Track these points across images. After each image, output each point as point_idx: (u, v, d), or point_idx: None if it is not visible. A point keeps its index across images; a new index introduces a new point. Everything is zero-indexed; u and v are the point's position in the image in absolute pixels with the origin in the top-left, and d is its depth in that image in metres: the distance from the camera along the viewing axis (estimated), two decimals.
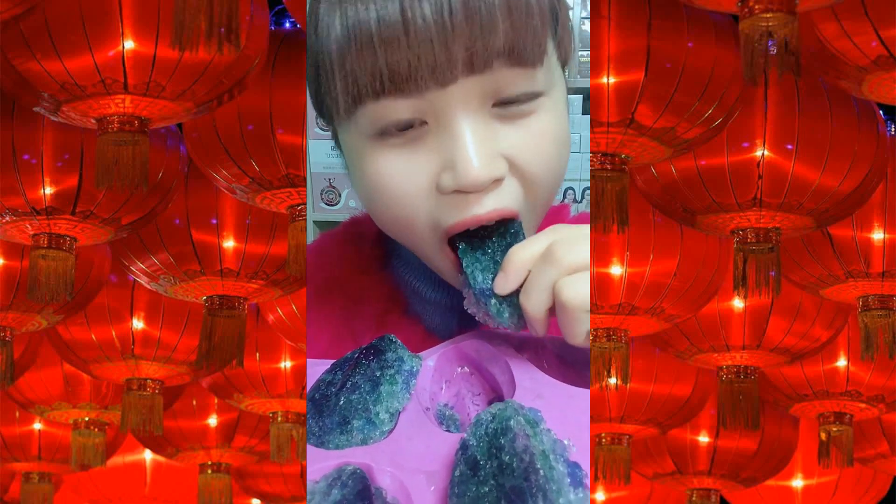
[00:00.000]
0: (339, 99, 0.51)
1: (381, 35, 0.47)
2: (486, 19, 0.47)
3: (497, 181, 0.52)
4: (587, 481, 0.40)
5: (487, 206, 0.52)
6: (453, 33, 0.47)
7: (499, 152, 0.52)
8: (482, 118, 0.51)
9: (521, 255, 0.50)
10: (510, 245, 0.52)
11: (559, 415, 0.44)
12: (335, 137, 0.61)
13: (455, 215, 0.53)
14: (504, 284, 0.51)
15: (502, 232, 0.53)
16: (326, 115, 0.56)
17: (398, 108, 0.50)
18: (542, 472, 0.37)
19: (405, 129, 0.52)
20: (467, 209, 0.52)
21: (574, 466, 0.40)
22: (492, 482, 0.38)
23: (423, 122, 0.51)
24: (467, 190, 0.51)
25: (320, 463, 0.46)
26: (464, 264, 0.53)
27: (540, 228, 0.62)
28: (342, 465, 0.45)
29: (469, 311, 0.54)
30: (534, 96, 0.52)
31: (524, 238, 0.53)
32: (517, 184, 0.53)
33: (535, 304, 0.49)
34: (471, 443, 0.41)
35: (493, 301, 0.52)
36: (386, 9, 0.47)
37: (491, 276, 0.52)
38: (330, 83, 0.51)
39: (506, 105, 0.52)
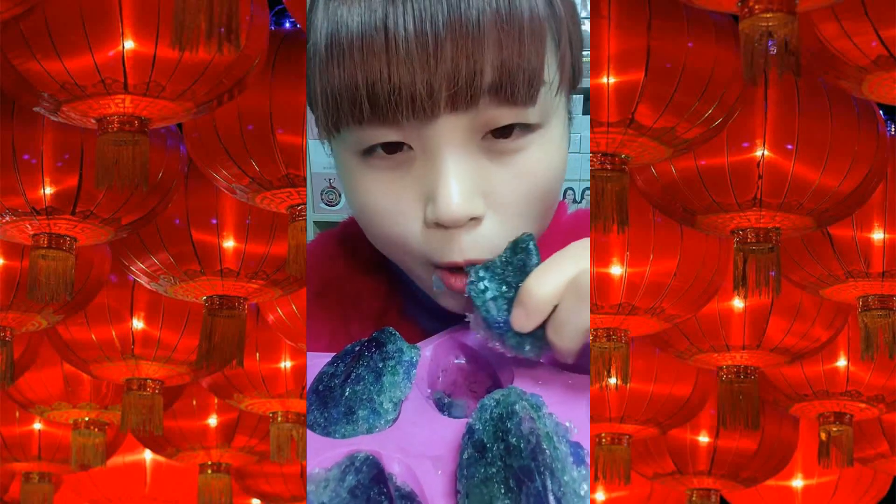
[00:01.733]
0: (321, 118, 0.50)
1: (364, 59, 0.45)
2: (472, 52, 0.44)
3: (476, 220, 0.50)
4: (588, 460, 0.41)
5: (466, 254, 0.50)
6: (436, 65, 0.44)
7: (480, 189, 0.50)
8: (468, 152, 0.49)
9: (545, 291, 0.44)
10: (523, 264, 0.47)
11: (559, 400, 0.46)
12: (329, 144, 0.61)
13: (437, 256, 0.52)
14: (525, 322, 0.45)
15: (512, 247, 0.49)
16: (320, 127, 0.56)
17: (381, 136, 0.49)
18: (548, 452, 0.39)
19: (392, 152, 0.50)
20: (447, 253, 0.51)
21: (576, 446, 0.42)
22: (499, 463, 0.40)
23: (410, 147, 0.50)
24: (446, 225, 0.49)
25: (329, 452, 0.46)
26: (470, 290, 0.48)
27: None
28: (353, 453, 0.45)
29: (478, 336, 0.49)
30: (526, 130, 0.50)
31: (537, 254, 0.48)
32: (498, 225, 0.51)
33: (569, 342, 0.45)
34: (476, 427, 0.43)
35: (511, 335, 0.47)
36: (369, 28, 0.45)
37: (505, 305, 0.46)
38: (316, 103, 0.50)
39: (496, 138, 0.49)
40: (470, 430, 0.43)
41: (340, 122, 0.48)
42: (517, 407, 0.42)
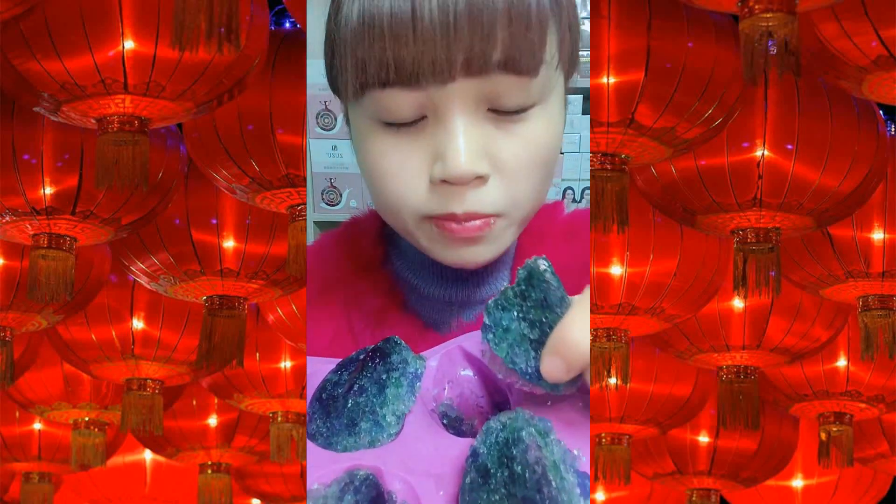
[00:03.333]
0: (349, 82, 0.54)
1: (392, 30, 0.50)
2: (486, 28, 0.50)
3: (480, 179, 0.54)
4: (588, 489, 0.40)
5: (466, 205, 0.55)
6: (455, 36, 0.50)
7: (486, 152, 0.54)
8: (476, 118, 0.54)
9: (586, 343, 0.39)
10: (544, 297, 0.42)
11: (567, 423, 0.44)
12: (345, 115, 0.63)
13: (437, 207, 0.56)
14: (562, 375, 0.40)
15: (526, 278, 0.42)
16: (339, 92, 0.59)
17: (401, 100, 0.53)
18: (553, 483, 0.38)
19: (407, 122, 0.55)
20: (448, 204, 0.55)
21: (583, 477, 0.40)
22: (503, 491, 0.38)
23: (424, 116, 0.54)
24: (452, 181, 0.53)
25: (329, 466, 0.45)
26: (487, 337, 0.42)
27: (531, 226, 0.63)
28: (353, 469, 0.45)
29: (500, 376, 0.44)
30: (526, 107, 0.55)
31: (557, 282, 0.42)
32: (501, 186, 0.55)
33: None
34: (481, 451, 0.41)
35: (543, 383, 0.41)
36: (399, 6, 0.50)
37: (532, 351, 0.41)
38: (342, 67, 0.54)
39: (499, 112, 0.54)
40: (474, 454, 0.41)
41: (367, 84, 0.53)
42: (524, 433, 0.40)
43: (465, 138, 0.53)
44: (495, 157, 0.55)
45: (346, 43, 0.53)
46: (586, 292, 0.42)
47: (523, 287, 0.42)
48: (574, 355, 0.39)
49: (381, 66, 0.51)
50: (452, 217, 0.55)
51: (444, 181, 0.54)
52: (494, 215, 0.56)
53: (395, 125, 0.55)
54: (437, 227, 0.57)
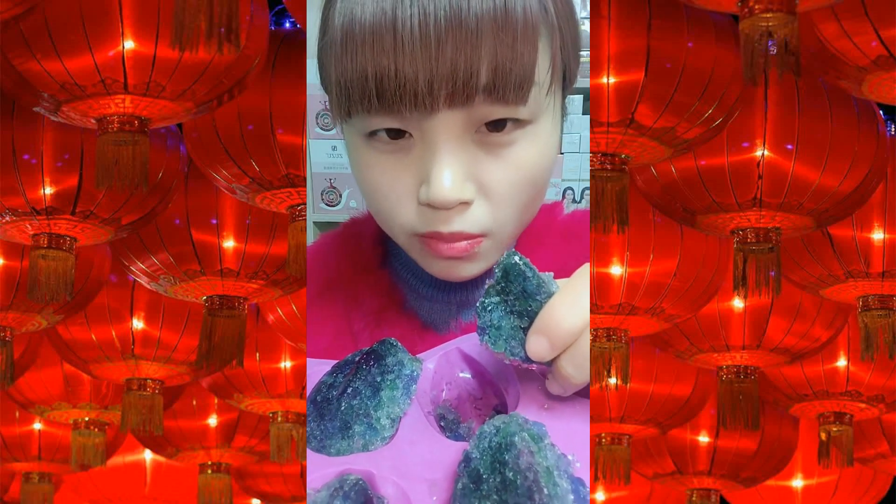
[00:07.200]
0: (335, 105, 0.54)
1: (374, 59, 0.49)
2: (470, 60, 0.49)
3: (465, 203, 0.54)
4: (588, 498, 0.40)
5: (452, 227, 0.55)
6: (437, 70, 0.49)
7: (471, 177, 0.54)
8: (462, 144, 0.53)
9: (574, 323, 0.41)
10: (522, 288, 0.43)
11: (564, 427, 0.44)
12: (341, 130, 0.63)
13: (424, 226, 0.56)
14: (546, 353, 0.42)
15: (502, 274, 0.44)
16: (333, 112, 0.59)
17: (388, 123, 0.53)
18: (546, 490, 0.38)
19: (395, 138, 0.55)
20: (434, 224, 0.55)
21: (577, 483, 0.40)
22: (495, 497, 0.38)
23: (411, 135, 0.54)
24: (436, 206, 0.54)
25: (322, 470, 0.45)
26: (486, 339, 0.44)
27: (530, 227, 0.63)
28: (344, 474, 0.44)
29: (507, 362, 0.46)
30: (517, 125, 0.54)
31: (531, 269, 0.44)
32: (487, 209, 0.55)
33: (585, 375, 0.43)
34: (473, 455, 0.41)
35: (532, 362, 0.44)
36: (381, 34, 0.49)
37: (520, 339, 0.43)
38: (330, 91, 0.54)
39: (489, 132, 0.53)
40: (467, 459, 0.42)
41: (352, 109, 0.53)
42: (516, 438, 0.40)
43: (450, 165, 0.52)
44: (481, 181, 0.54)
45: (331, 67, 0.53)
46: (574, 277, 0.44)
47: (503, 284, 0.44)
48: (557, 334, 0.41)
49: (364, 95, 0.51)
50: (438, 236, 0.56)
51: (428, 204, 0.54)
52: (481, 235, 0.56)
53: (385, 142, 0.55)
54: (424, 245, 0.58)
